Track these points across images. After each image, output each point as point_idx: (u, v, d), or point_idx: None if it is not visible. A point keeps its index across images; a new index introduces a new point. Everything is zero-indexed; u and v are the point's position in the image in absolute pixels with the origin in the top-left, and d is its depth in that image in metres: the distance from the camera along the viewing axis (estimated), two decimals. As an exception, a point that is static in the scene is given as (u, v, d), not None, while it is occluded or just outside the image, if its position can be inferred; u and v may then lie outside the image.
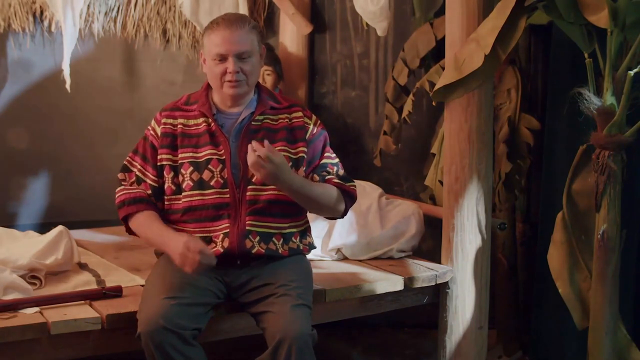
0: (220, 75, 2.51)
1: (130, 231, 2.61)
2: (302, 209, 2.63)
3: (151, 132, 2.62)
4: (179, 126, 2.59)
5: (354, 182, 2.69)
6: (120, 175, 2.63)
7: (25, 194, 3.98)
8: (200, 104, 2.59)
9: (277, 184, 2.45)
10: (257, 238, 2.53)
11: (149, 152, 2.60)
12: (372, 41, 4.00)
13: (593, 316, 2.77)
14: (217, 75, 2.52)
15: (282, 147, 2.57)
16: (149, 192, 2.58)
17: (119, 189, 2.61)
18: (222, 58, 2.50)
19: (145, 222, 2.54)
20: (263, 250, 2.53)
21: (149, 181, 2.59)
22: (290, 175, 2.45)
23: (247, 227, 2.51)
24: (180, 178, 2.55)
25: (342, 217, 2.70)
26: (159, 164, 2.58)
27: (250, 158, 2.38)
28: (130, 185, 2.60)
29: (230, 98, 2.56)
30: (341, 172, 2.67)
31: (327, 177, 2.63)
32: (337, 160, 2.69)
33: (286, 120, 2.63)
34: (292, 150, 2.59)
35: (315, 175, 2.62)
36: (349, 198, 2.65)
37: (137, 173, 2.60)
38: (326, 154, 2.66)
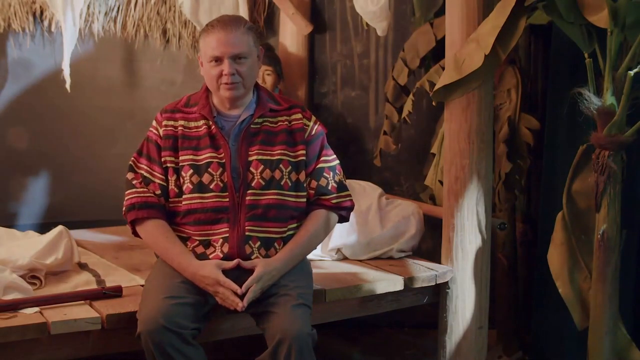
0: (217, 77, 2.50)
1: (136, 234, 2.59)
2: (301, 211, 2.62)
3: (154, 132, 2.60)
4: (179, 128, 2.57)
5: (347, 189, 2.69)
6: (129, 175, 2.59)
7: (25, 194, 3.98)
8: (200, 106, 2.58)
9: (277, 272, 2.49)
10: (258, 244, 2.52)
11: (154, 151, 2.57)
12: (372, 41, 4.00)
13: (593, 316, 2.77)
14: (213, 78, 2.51)
15: (282, 151, 2.57)
16: (159, 192, 2.55)
17: (129, 191, 2.57)
18: (218, 60, 2.49)
19: (155, 232, 2.53)
20: (262, 257, 2.52)
21: (157, 180, 2.55)
22: (276, 265, 2.48)
23: (247, 233, 2.50)
24: (181, 180, 2.54)
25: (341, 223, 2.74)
26: (163, 165, 2.56)
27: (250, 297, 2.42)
28: (140, 184, 2.57)
29: (227, 100, 2.56)
30: (337, 177, 2.66)
31: (323, 199, 2.61)
32: (335, 162, 2.68)
33: (285, 122, 2.61)
34: (292, 154, 2.59)
35: (314, 181, 2.61)
36: (345, 211, 2.67)
37: (145, 174, 2.57)
38: (323, 158, 2.64)
